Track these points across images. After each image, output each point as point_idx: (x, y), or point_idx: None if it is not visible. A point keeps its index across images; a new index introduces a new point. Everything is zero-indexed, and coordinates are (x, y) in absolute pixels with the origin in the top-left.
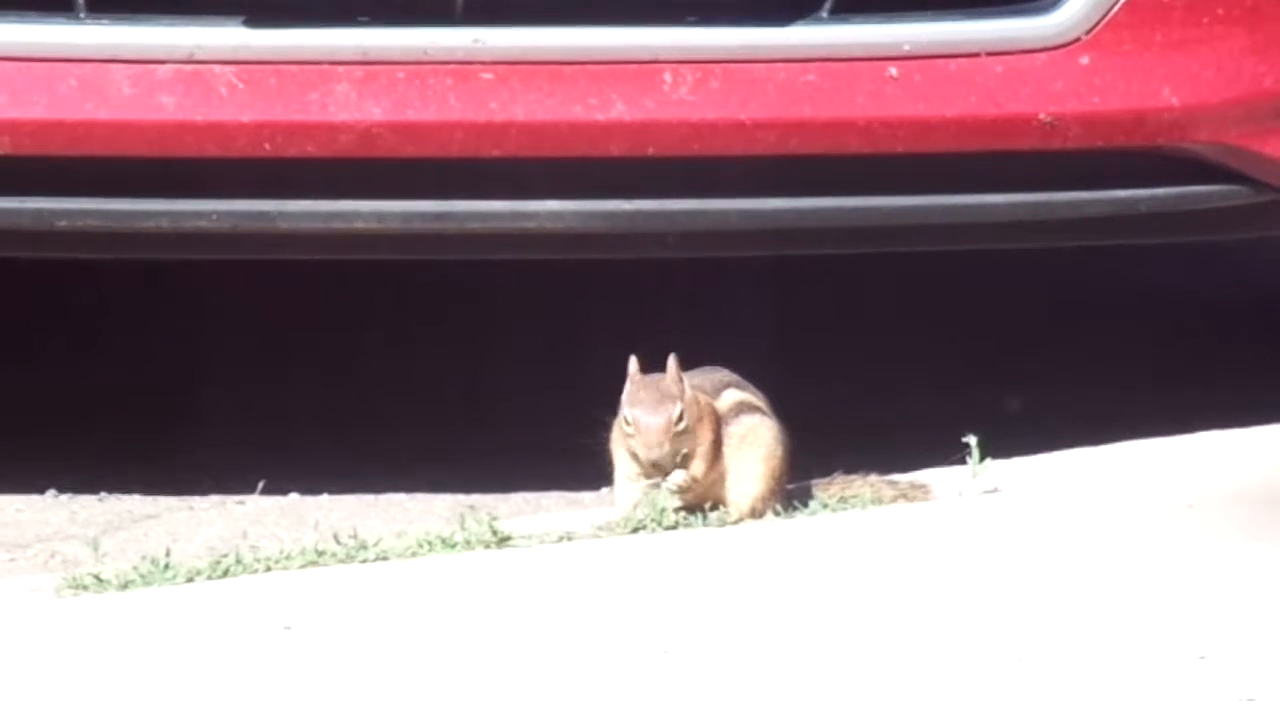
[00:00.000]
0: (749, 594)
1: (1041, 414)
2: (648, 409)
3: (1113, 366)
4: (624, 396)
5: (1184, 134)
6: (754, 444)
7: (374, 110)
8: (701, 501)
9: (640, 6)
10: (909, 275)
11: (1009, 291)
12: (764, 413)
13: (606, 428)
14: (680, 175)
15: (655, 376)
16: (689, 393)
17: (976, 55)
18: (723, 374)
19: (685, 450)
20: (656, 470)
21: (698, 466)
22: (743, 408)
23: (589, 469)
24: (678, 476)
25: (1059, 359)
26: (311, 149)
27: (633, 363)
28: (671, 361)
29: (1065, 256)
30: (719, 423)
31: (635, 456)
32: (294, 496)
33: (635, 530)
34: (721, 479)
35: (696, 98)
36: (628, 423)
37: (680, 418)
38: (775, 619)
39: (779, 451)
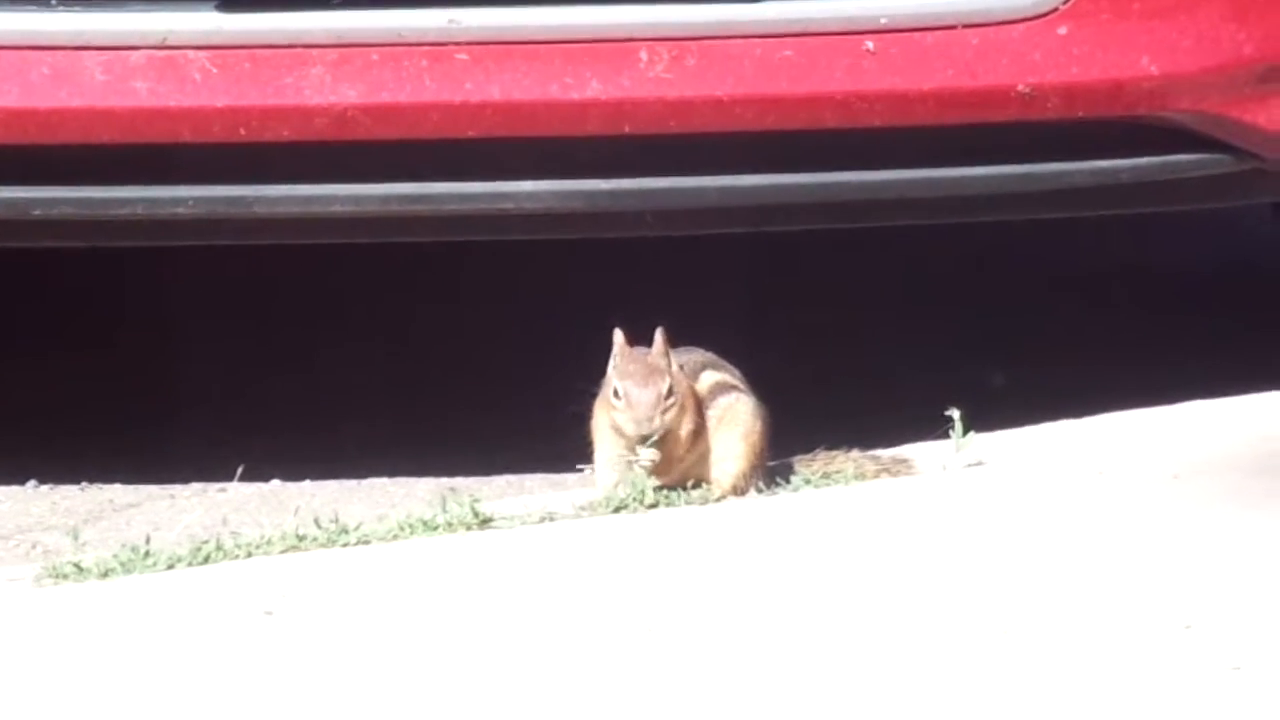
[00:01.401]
0: (732, 571)
1: (1025, 388)
2: (638, 382)
3: (1095, 339)
4: (611, 369)
5: (1164, 103)
6: (732, 423)
7: (349, 93)
8: (683, 480)
9: None
10: (889, 250)
11: (990, 266)
12: (741, 390)
13: (591, 397)
14: (658, 153)
15: (642, 350)
16: (675, 365)
17: (953, 27)
18: (699, 354)
19: (675, 421)
20: (646, 441)
21: (674, 445)
22: (720, 388)
23: (571, 450)
24: (648, 454)
25: (1041, 332)
26: (287, 133)
27: (618, 335)
28: (659, 335)
29: (1047, 229)
30: (699, 404)
31: (621, 431)
32: (275, 483)
33: (617, 510)
34: (703, 458)
35: (673, 75)
36: (617, 396)
37: (670, 391)
38: (759, 595)
39: (758, 427)
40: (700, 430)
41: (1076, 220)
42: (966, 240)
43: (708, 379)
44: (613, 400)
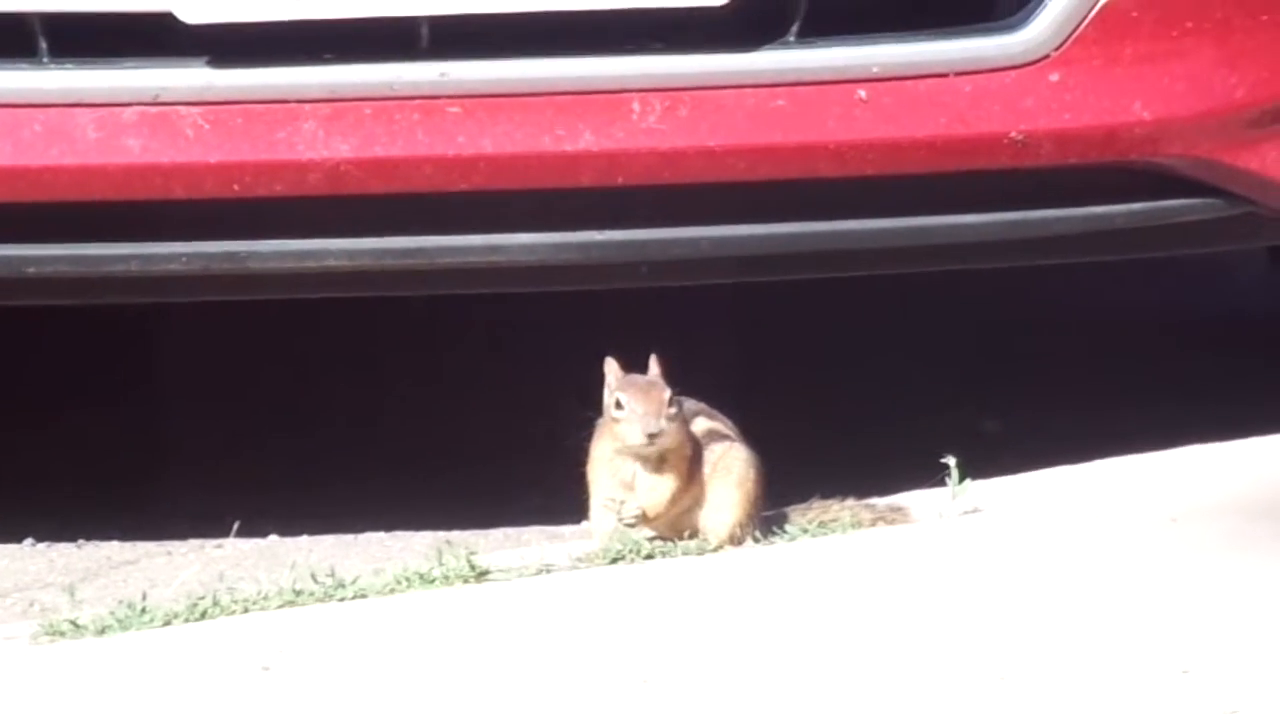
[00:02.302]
0: (729, 621)
1: (1021, 434)
2: (640, 389)
3: (1091, 384)
4: (608, 388)
5: (1156, 148)
6: (726, 471)
7: (342, 147)
8: (675, 531)
9: (606, 36)
10: (884, 298)
11: (985, 312)
12: (734, 439)
13: (588, 425)
14: (651, 204)
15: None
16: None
17: (945, 75)
18: (690, 403)
19: (677, 438)
20: (653, 442)
21: (666, 486)
22: (713, 435)
23: (567, 502)
24: (631, 508)
25: (1037, 378)
26: (280, 188)
27: (611, 362)
28: (653, 362)
29: (1041, 275)
30: (697, 445)
31: (625, 441)
32: (272, 538)
33: (614, 560)
34: (696, 506)
35: (665, 126)
36: (619, 406)
37: (671, 400)
38: (756, 646)
39: (752, 475)
40: (695, 472)
41: (1071, 266)
42: (960, 286)
43: (700, 425)
44: (614, 413)
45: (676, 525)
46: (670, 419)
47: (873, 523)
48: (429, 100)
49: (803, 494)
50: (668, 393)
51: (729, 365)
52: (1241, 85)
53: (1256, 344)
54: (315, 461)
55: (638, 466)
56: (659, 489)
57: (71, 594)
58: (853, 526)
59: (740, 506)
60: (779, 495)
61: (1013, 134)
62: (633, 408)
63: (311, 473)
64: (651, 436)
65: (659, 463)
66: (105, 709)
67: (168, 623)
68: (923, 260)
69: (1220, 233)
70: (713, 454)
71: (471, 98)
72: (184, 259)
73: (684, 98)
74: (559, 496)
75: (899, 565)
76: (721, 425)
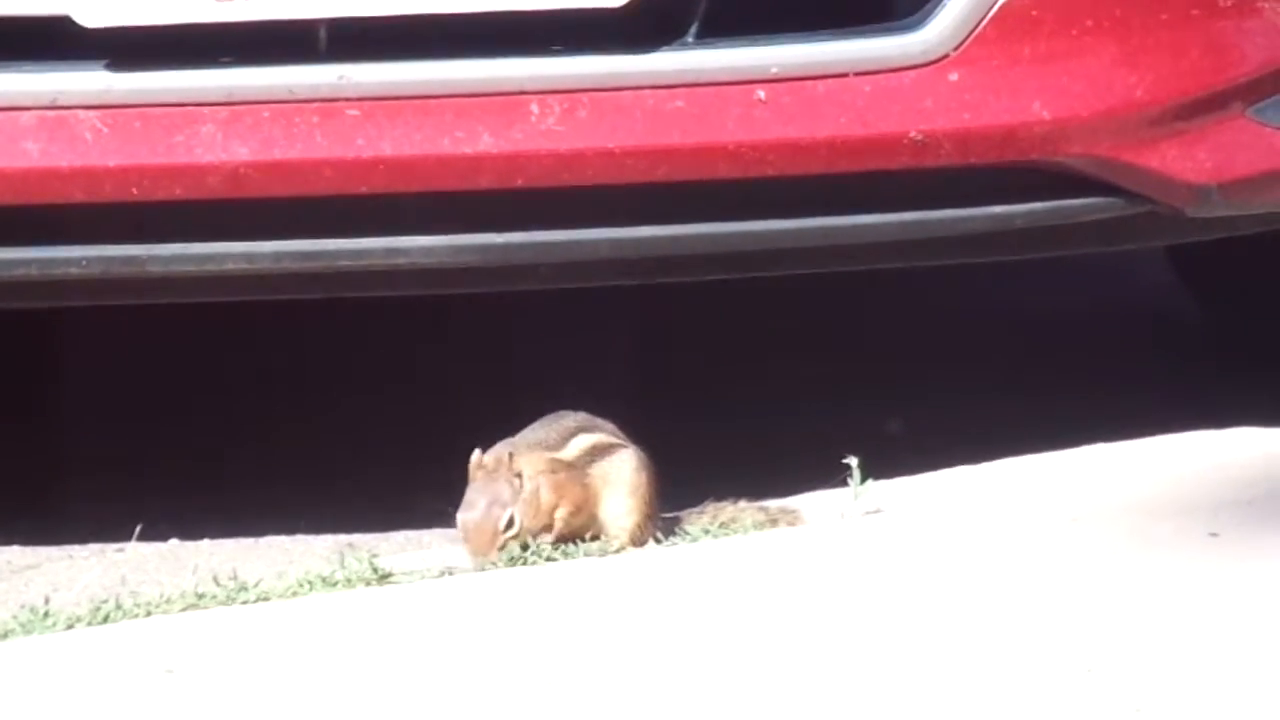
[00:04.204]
0: (633, 622)
1: (924, 434)
2: (472, 525)
3: (993, 384)
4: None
5: (1056, 148)
6: (617, 481)
7: (240, 151)
8: (578, 535)
9: (504, 38)
10: (785, 298)
11: (887, 312)
12: (619, 445)
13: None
14: (550, 206)
15: (493, 470)
16: (528, 489)
17: (845, 75)
18: (568, 419)
19: (528, 530)
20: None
21: (545, 536)
22: (596, 451)
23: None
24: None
25: (938, 378)
26: (179, 191)
27: (474, 458)
28: (506, 459)
29: (942, 273)
30: (569, 474)
31: None
32: (174, 542)
33: (516, 563)
34: (590, 520)
35: (564, 128)
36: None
37: (510, 523)
38: (656, 645)
39: (644, 479)
40: (573, 507)
41: (972, 266)
42: (857, 287)
43: (579, 444)
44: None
45: (578, 530)
46: (505, 545)
47: (770, 524)
48: (328, 103)
49: (701, 496)
50: (506, 514)
51: (624, 367)
52: (1141, 84)
53: (1157, 343)
54: (216, 466)
55: None
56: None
57: None
58: (755, 527)
59: (637, 510)
60: (677, 497)
61: (912, 134)
62: (466, 536)
63: (212, 477)
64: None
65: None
66: (7, 713)
67: (70, 626)
68: (824, 261)
69: (1121, 232)
70: (598, 470)
71: (370, 100)
72: (83, 263)
73: (582, 99)
74: (460, 500)
75: (799, 565)
76: (605, 435)
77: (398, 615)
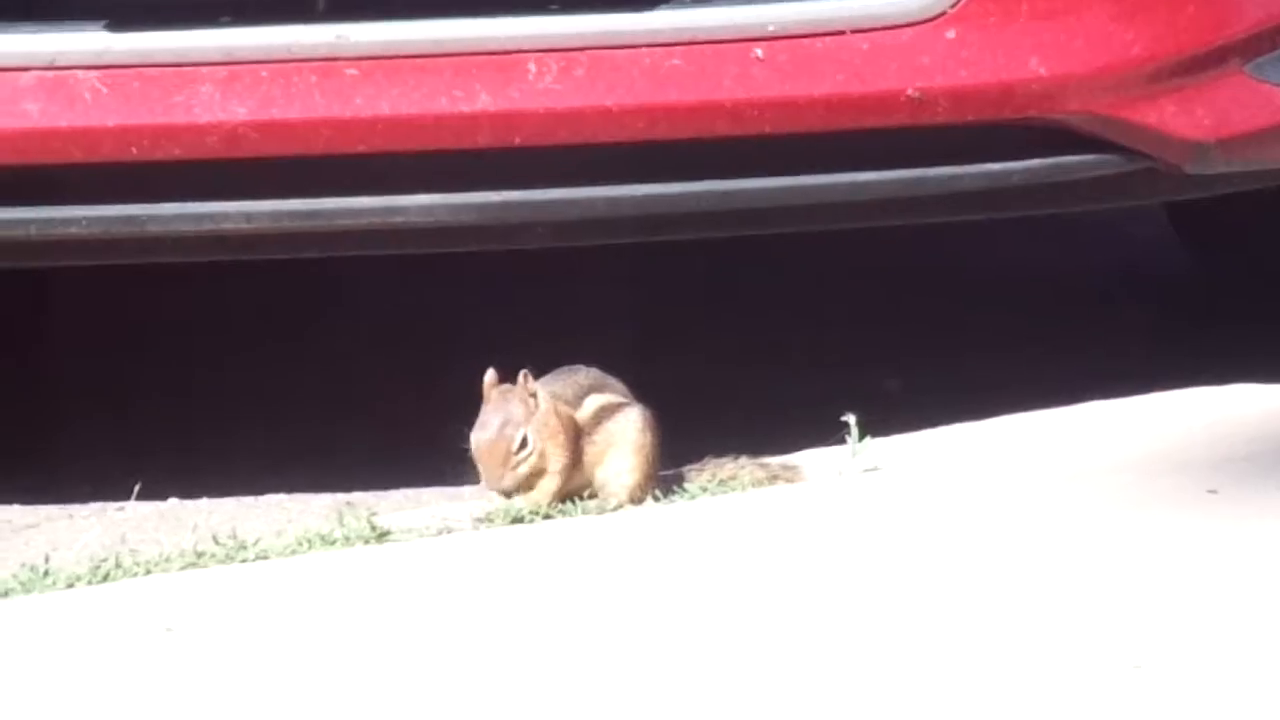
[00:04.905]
0: (631, 580)
1: (923, 392)
2: (485, 444)
3: (992, 342)
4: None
5: (1053, 104)
6: (622, 441)
7: (239, 110)
8: (576, 493)
9: None
10: (783, 256)
11: (883, 271)
12: (628, 404)
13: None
14: (548, 164)
15: (507, 391)
16: (543, 408)
17: (842, 33)
18: (582, 375)
19: (536, 469)
20: (506, 494)
21: (548, 485)
22: (607, 411)
23: (467, 463)
24: (519, 502)
25: (938, 336)
26: (178, 151)
27: (488, 377)
28: (521, 379)
29: (941, 232)
30: (579, 434)
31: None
32: (173, 501)
33: (515, 521)
34: (589, 476)
35: (562, 86)
36: (470, 449)
37: (524, 443)
38: (656, 603)
39: (649, 438)
40: (575, 464)
41: (972, 223)
42: (858, 245)
43: (592, 404)
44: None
45: (577, 489)
46: (519, 465)
47: (769, 481)
48: (326, 62)
49: (700, 453)
50: (520, 434)
51: (628, 326)
52: (1139, 41)
53: (1153, 301)
54: (215, 425)
55: None
56: (539, 491)
57: None
58: (752, 485)
59: (639, 469)
60: (677, 457)
61: (910, 91)
62: (478, 458)
63: (212, 437)
64: (500, 492)
65: (532, 476)
66: (8, 670)
67: (70, 585)
68: (821, 218)
69: (1119, 189)
70: (606, 431)
71: (368, 60)
72: (83, 223)
73: (580, 58)
74: (458, 457)
75: (797, 522)
76: (615, 395)
77: (396, 573)
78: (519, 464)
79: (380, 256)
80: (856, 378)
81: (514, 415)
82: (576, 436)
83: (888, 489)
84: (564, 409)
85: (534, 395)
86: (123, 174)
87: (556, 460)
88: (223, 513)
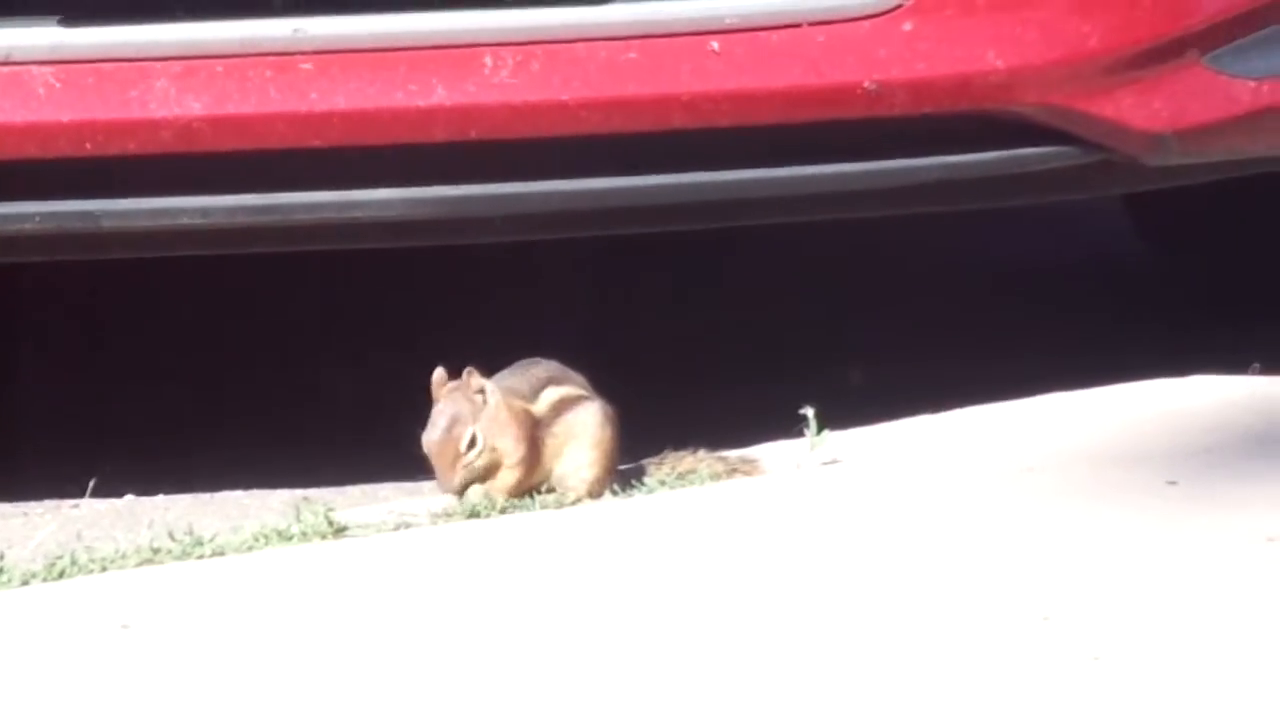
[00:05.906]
0: (589, 574)
1: (881, 385)
2: (435, 444)
3: (948, 334)
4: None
5: (1010, 96)
6: (581, 434)
7: (194, 105)
8: (533, 488)
9: None
10: (743, 249)
11: (842, 262)
12: (587, 398)
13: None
14: (505, 158)
15: (455, 389)
16: (491, 404)
17: (798, 26)
18: (539, 368)
19: (490, 465)
20: (458, 494)
21: (506, 478)
22: (564, 403)
23: (426, 459)
24: (473, 495)
25: (895, 328)
26: (133, 147)
27: (436, 375)
28: (465, 377)
29: (899, 224)
30: (535, 427)
31: None
32: (128, 498)
33: (472, 516)
34: (548, 470)
35: (518, 80)
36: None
37: (472, 442)
38: (611, 597)
39: (608, 431)
40: (534, 457)
41: (928, 216)
42: (816, 238)
43: (549, 397)
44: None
45: (535, 483)
46: (469, 465)
47: (728, 474)
48: (282, 57)
49: (660, 445)
50: (469, 432)
51: (585, 316)
52: (1095, 32)
53: (1113, 292)
54: (171, 422)
55: None
56: (498, 483)
57: None
58: (711, 478)
59: (598, 463)
60: (634, 449)
61: (866, 84)
62: (430, 458)
63: (167, 434)
64: (451, 493)
65: (488, 472)
66: None
67: (26, 583)
68: (780, 211)
69: (1076, 181)
70: (564, 423)
71: (324, 54)
72: (37, 218)
73: (536, 51)
74: (415, 452)
75: (755, 515)
76: (573, 387)
77: (354, 569)
78: (469, 463)
79: (340, 251)
80: (816, 371)
81: (462, 414)
82: (533, 430)
83: (845, 481)
84: (517, 403)
85: (481, 392)
86: (77, 169)
87: (512, 455)
88: (179, 509)
